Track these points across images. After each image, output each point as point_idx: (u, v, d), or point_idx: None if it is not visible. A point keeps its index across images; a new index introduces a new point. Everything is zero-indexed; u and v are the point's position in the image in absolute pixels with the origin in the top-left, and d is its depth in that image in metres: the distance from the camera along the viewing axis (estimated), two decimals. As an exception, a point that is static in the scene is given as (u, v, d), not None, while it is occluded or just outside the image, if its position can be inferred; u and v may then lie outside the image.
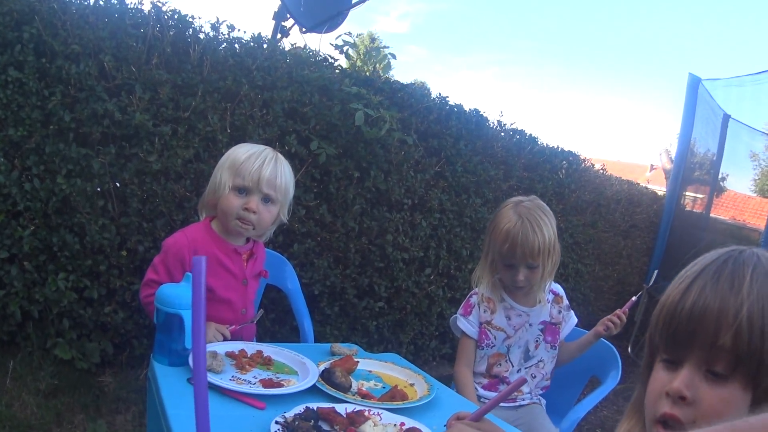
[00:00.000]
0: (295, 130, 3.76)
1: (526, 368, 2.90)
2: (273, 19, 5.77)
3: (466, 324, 2.89)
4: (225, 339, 2.36)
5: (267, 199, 2.51)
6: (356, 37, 4.35)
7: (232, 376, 1.98)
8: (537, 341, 2.90)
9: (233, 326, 2.44)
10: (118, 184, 3.34)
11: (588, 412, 2.83)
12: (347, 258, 4.15)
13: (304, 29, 5.88)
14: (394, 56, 4.47)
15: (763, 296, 1.02)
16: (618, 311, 2.79)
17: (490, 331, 2.87)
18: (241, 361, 2.10)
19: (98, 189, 3.28)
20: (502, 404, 2.78)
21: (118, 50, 3.29)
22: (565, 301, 3.01)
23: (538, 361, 2.91)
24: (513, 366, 2.89)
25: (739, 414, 0.98)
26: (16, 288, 3.23)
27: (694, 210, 9.04)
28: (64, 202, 3.23)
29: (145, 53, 3.33)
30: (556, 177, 5.80)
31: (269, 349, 2.26)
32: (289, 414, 1.73)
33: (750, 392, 1.00)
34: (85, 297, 3.36)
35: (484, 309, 2.89)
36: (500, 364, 2.89)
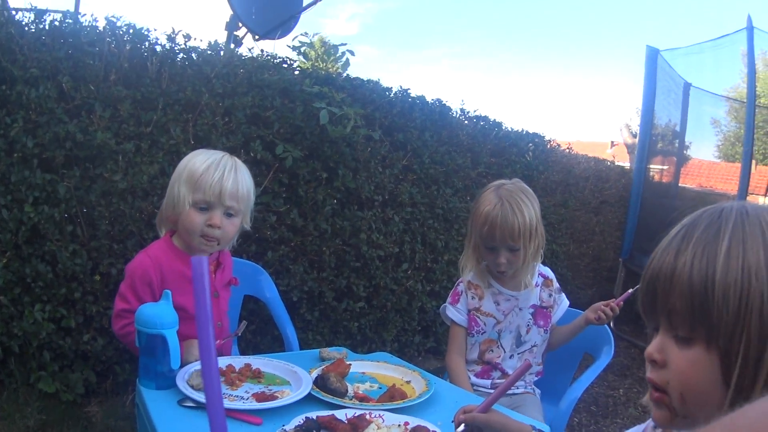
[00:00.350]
0: (259, 136, 3.78)
1: (519, 353, 2.94)
2: (225, 29, 5.76)
3: (454, 312, 2.94)
4: None
5: (230, 212, 2.43)
6: (313, 36, 4.38)
7: (223, 393, 1.98)
8: (528, 326, 2.94)
9: (218, 341, 2.44)
10: (85, 209, 3.33)
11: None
12: (322, 261, 4.18)
13: (257, 37, 5.89)
14: (352, 53, 4.51)
15: (709, 253, 1.04)
16: (612, 302, 2.79)
17: (479, 317, 2.91)
18: (230, 377, 2.10)
19: (66, 215, 3.27)
20: (488, 391, 2.86)
21: (76, 70, 3.27)
22: (556, 284, 3.04)
23: (532, 346, 2.96)
24: (505, 351, 2.93)
25: (709, 375, 1.02)
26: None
27: (663, 181, 9.18)
28: (33, 231, 3.21)
29: (102, 70, 3.32)
30: (524, 160, 5.88)
31: (257, 362, 2.27)
32: (289, 426, 1.74)
33: (715, 353, 1.02)
34: (63, 326, 3.34)
35: (471, 296, 2.93)
36: (492, 350, 2.93)
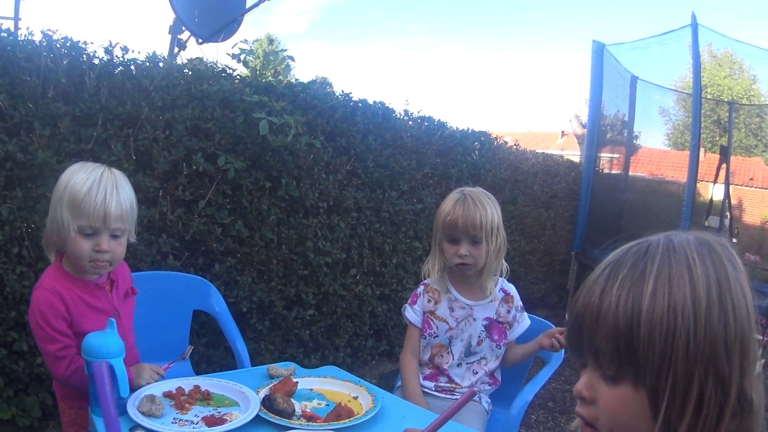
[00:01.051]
0: (200, 148, 3.87)
1: (467, 363, 3.07)
2: (169, 33, 5.81)
3: (411, 312, 3.11)
4: (162, 378, 2.41)
5: (116, 233, 2.40)
6: (254, 42, 4.45)
7: (174, 419, 2.09)
8: (480, 337, 3.05)
9: (167, 364, 2.54)
10: (30, 230, 3.40)
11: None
12: (270, 270, 4.31)
13: (200, 40, 5.96)
14: (292, 58, 4.61)
15: (634, 293, 1.07)
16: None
17: (432, 320, 3.06)
18: (180, 401, 2.20)
19: (10, 236, 3.34)
20: (439, 394, 3.03)
21: (13, 87, 3.30)
22: (518, 302, 3.14)
23: (481, 358, 3.07)
24: (453, 358, 3.05)
25: (637, 412, 1.07)
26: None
27: (612, 171, 9.45)
28: (-23, 255, 3.28)
29: (40, 87, 3.36)
30: (470, 159, 6.06)
31: (206, 383, 2.36)
32: None
33: (642, 390, 1.06)
34: (15, 350, 3.40)
35: (428, 299, 3.08)
36: (442, 356, 3.06)
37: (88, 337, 2.12)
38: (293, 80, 4.62)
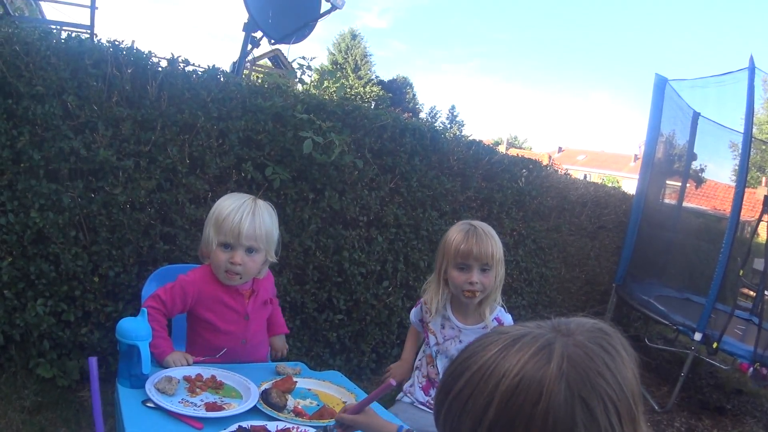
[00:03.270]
0: (250, 157, 4.07)
1: None
2: (243, 30, 6.05)
3: (412, 313, 3.47)
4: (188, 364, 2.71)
5: (251, 250, 2.88)
6: (338, 36, 4.67)
7: (181, 399, 2.35)
8: None
9: (203, 358, 2.81)
10: (87, 217, 3.67)
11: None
12: (306, 274, 4.49)
13: (273, 41, 6.19)
14: (370, 54, 4.78)
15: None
16: None
17: (427, 330, 3.25)
18: (193, 385, 2.46)
19: (69, 221, 3.61)
20: (426, 408, 3.17)
21: (80, 90, 3.57)
22: None
23: None
24: (439, 373, 3.17)
25: None
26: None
27: (666, 201, 9.33)
28: (38, 234, 3.57)
29: (105, 92, 3.61)
30: (516, 185, 6.07)
31: (222, 374, 2.61)
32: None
33: None
34: (63, 320, 3.72)
35: (425, 311, 3.28)
36: (432, 366, 3.21)
37: (122, 321, 2.45)
38: (374, 77, 4.75)
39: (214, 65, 4.08)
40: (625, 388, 1.16)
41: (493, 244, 3.03)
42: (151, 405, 2.28)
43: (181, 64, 3.96)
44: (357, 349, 4.98)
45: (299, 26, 6.23)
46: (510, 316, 3.25)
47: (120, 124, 3.68)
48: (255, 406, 2.37)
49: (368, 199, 4.72)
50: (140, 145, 3.74)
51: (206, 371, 2.61)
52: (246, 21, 6.01)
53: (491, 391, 1.14)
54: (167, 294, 2.85)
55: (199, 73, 4.02)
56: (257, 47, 6.22)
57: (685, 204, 9.33)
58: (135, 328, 2.41)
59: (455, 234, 3.10)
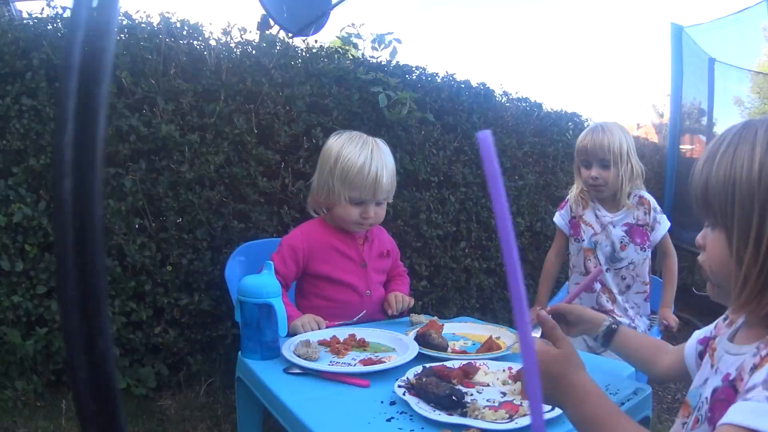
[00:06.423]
0: (319, 123, 3.70)
1: (615, 269, 3.10)
2: (257, 29, 5.65)
3: (558, 217, 3.39)
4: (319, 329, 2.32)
5: (381, 201, 2.65)
6: (361, 26, 4.29)
7: (331, 362, 1.92)
8: (623, 242, 3.08)
9: (337, 323, 2.43)
10: (151, 201, 3.25)
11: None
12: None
13: (290, 34, 5.79)
14: (399, 41, 4.40)
15: (709, 158, 1.26)
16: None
17: (581, 224, 3.24)
18: (335, 347, 2.04)
19: (132, 206, 3.18)
20: None
21: (134, 65, 3.17)
22: (654, 205, 3.13)
23: (628, 264, 3.09)
24: (601, 264, 3.13)
25: (721, 250, 1.24)
26: (58, 323, 3.06)
27: (694, 157, 9.01)
28: (99, 226, 3.12)
29: (161, 64, 3.22)
30: (565, 138, 5.78)
31: (361, 332, 2.21)
32: (409, 376, 1.74)
33: (722, 232, 1.24)
34: (133, 321, 3.24)
35: (578, 204, 3.27)
36: (590, 260, 3.18)
37: (246, 279, 2.00)
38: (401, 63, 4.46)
39: (270, 32, 3.80)
40: None
41: (611, 140, 3.01)
42: (297, 371, 1.84)
43: (238, 33, 3.62)
44: (440, 317, 4.54)
45: (317, 15, 5.85)
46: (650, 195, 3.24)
47: (180, 97, 3.24)
48: (419, 353, 1.99)
49: (436, 159, 4.38)
50: (204, 118, 3.31)
51: (340, 332, 2.20)
52: (259, 20, 5.62)
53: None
54: (277, 260, 2.45)
55: (255, 42, 3.70)
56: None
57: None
58: (265, 284, 1.96)
59: (583, 133, 3.20)
